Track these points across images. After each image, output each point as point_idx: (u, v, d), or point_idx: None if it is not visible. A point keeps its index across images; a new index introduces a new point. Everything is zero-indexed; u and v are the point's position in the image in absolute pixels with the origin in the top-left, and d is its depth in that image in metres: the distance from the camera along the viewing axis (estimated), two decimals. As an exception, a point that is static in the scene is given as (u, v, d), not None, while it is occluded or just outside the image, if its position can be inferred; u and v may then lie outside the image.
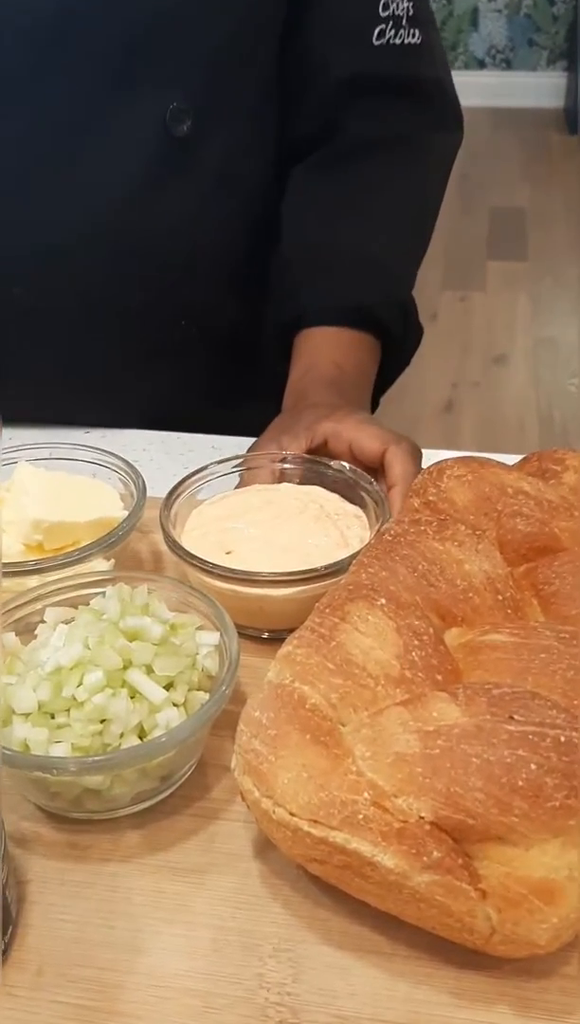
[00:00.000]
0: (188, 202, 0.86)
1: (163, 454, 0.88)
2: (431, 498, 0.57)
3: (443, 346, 2.71)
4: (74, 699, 0.49)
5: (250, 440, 0.91)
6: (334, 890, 0.47)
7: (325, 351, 0.86)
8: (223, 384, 1.00)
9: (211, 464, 0.70)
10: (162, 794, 0.52)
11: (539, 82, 4.23)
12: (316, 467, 0.69)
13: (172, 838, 0.51)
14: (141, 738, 0.50)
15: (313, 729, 0.44)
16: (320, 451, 0.72)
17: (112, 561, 0.64)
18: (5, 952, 0.45)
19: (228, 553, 0.63)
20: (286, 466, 0.70)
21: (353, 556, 0.58)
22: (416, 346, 0.94)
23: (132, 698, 0.50)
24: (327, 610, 0.50)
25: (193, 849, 0.50)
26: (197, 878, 0.49)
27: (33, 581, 0.61)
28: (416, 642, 0.47)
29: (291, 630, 0.62)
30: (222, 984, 0.44)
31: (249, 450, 0.75)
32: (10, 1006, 0.44)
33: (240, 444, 0.91)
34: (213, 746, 0.54)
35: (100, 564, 0.63)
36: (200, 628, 0.55)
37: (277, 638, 0.63)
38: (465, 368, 2.69)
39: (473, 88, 3.64)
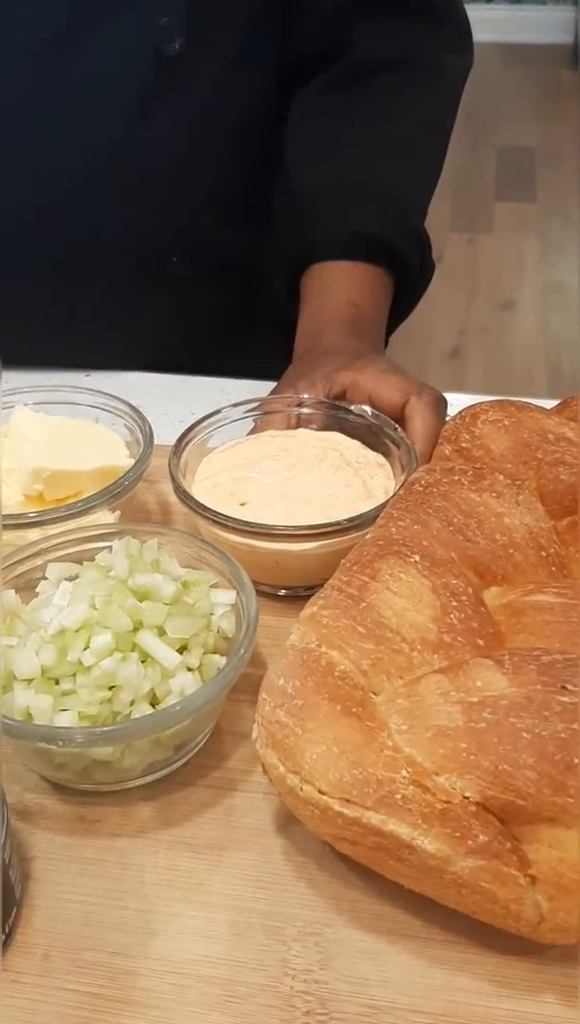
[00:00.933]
0: (182, 125, 0.80)
1: (169, 398, 0.83)
2: (464, 445, 0.53)
3: (450, 290, 2.64)
4: (80, 664, 0.45)
5: (259, 384, 0.87)
6: (364, 869, 0.43)
7: (339, 288, 0.81)
8: (223, 323, 0.95)
9: (224, 408, 0.65)
10: (175, 764, 0.49)
11: (548, 16, 4.08)
12: (335, 412, 0.64)
13: (187, 811, 0.47)
14: (153, 705, 0.46)
15: (343, 699, 0.40)
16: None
17: (117, 513, 0.60)
18: (8, 936, 0.42)
19: (242, 504, 0.58)
20: (303, 411, 0.65)
21: (379, 508, 0.54)
22: (428, 283, 0.89)
23: (143, 662, 0.46)
24: (355, 568, 0.46)
25: (209, 823, 0.47)
26: (214, 855, 0.45)
27: (34, 534, 0.57)
28: (454, 603, 0.43)
29: (309, 587, 0.58)
30: (244, 971, 0.41)
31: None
32: (14, 994, 0.41)
33: (250, 388, 0.86)
34: (229, 712, 0.51)
35: (105, 516, 0.59)
36: (214, 586, 0.51)
37: (294, 596, 0.59)
38: (472, 313, 2.62)
39: (480, 22, 3.50)
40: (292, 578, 0.58)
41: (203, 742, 0.50)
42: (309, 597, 0.58)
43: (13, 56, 0.74)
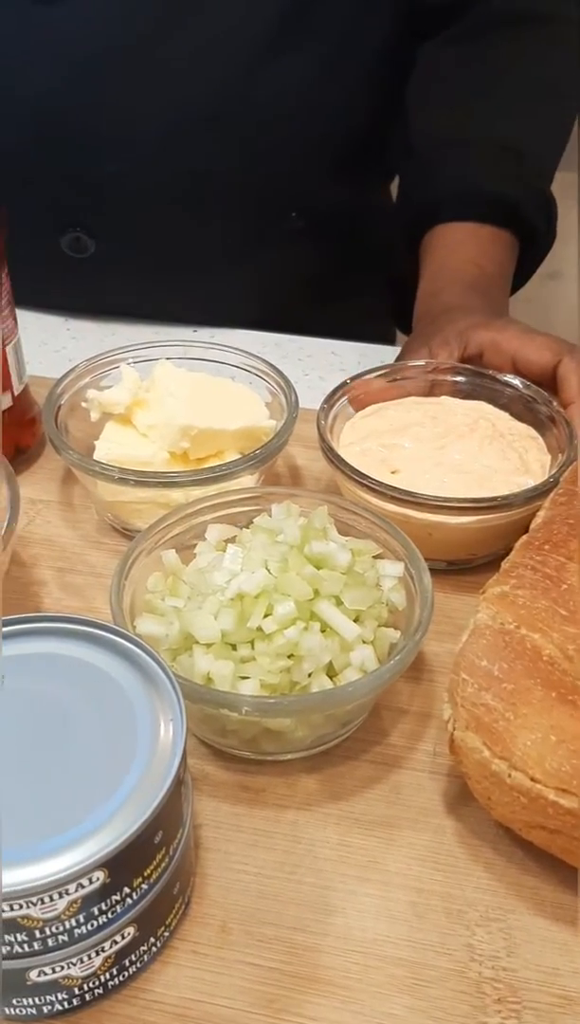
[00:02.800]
0: (304, 71, 0.78)
1: (278, 358, 0.81)
2: None
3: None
4: (261, 631, 0.44)
5: (370, 347, 0.85)
6: (541, 856, 0.42)
7: (463, 249, 0.78)
8: (327, 282, 0.92)
9: (364, 373, 0.63)
10: (339, 738, 0.47)
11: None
12: (481, 380, 0.62)
13: (352, 786, 0.46)
14: (330, 677, 0.45)
15: (556, 685, 0.39)
16: (473, 363, 0.65)
17: (257, 475, 0.59)
18: (186, 904, 0.41)
19: (393, 472, 0.57)
20: (447, 378, 0.63)
21: (546, 484, 0.52)
22: (549, 248, 0.86)
23: (322, 632, 0.45)
24: (546, 547, 0.44)
25: (377, 800, 0.46)
26: (386, 832, 0.44)
27: (177, 494, 0.56)
28: None
29: (451, 561, 0.57)
30: (429, 954, 0.40)
31: (396, 360, 0.69)
32: (195, 965, 0.40)
33: (361, 351, 0.84)
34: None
35: (246, 479, 0.57)
36: (378, 556, 0.50)
37: (434, 568, 0.57)
38: (518, 283, 2.58)
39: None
40: (438, 550, 0.56)
41: (364, 716, 0.49)
42: (452, 571, 0.57)
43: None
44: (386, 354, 0.83)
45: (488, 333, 0.65)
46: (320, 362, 0.82)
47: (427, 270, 0.79)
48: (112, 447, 0.58)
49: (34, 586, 0.57)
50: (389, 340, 1.00)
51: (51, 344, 0.83)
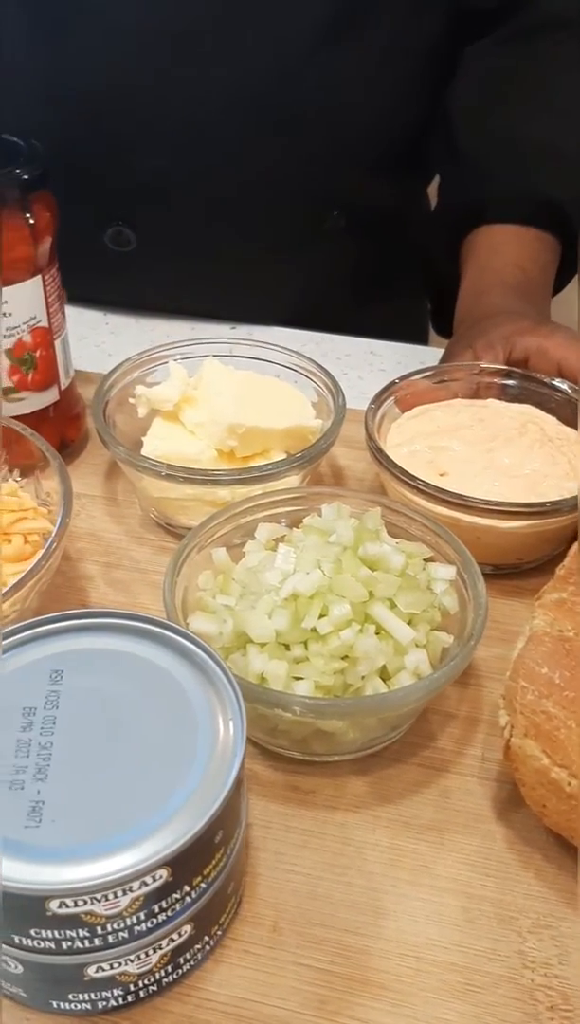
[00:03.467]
0: (353, 67, 0.78)
1: (318, 356, 0.81)
2: None
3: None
4: (315, 632, 0.44)
5: (409, 347, 0.85)
6: (593, 864, 0.42)
7: (507, 251, 0.78)
8: (364, 280, 0.92)
9: (412, 373, 0.63)
10: (388, 741, 0.47)
11: None
12: (529, 383, 0.62)
13: (400, 789, 0.46)
14: (383, 680, 0.45)
15: (618, 694, 0.38)
16: (518, 368, 0.65)
17: (303, 476, 0.58)
18: (238, 903, 0.41)
19: (442, 475, 0.56)
20: (494, 380, 0.63)
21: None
22: None
23: (376, 635, 0.44)
24: (604, 554, 0.44)
25: (426, 804, 0.46)
26: (435, 837, 0.44)
27: (223, 492, 0.56)
28: None
29: (497, 565, 0.56)
30: (481, 959, 0.40)
31: (440, 362, 0.68)
32: (247, 964, 0.40)
33: (399, 351, 0.84)
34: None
35: (292, 479, 0.57)
36: (429, 560, 0.50)
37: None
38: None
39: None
40: (486, 554, 0.56)
41: (412, 719, 0.49)
42: (497, 575, 0.56)
43: None
44: (425, 355, 0.83)
45: (535, 339, 0.65)
46: (358, 361, 0.82)
47: (469, 271, 0.79)
48: (160, 443, 0.58)
49: (80, 580, 0.57)
50: (423, 340, 0.99)
51: (91, 338, 0.83)
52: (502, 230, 0.79)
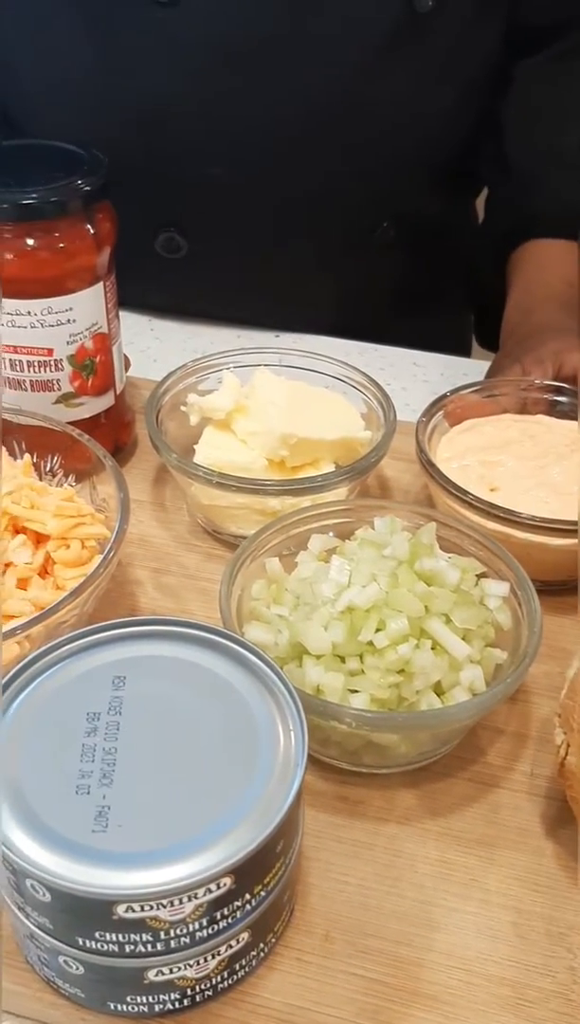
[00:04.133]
0: (411, 85, 0.78)
1: (361, 366, 0.81)
2: None
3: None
4: (371, 645, 0.44)
5: (453, 359, 0.85)
6: None
7: (556, 266, 0.78)
8: (412, 293, 0.93)
9: (462, 387, 0.63)
10: (438, 755, 0.48)
11: None
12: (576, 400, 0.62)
13: (450, 803, 0.47)
14: (438, 695, 0.45)
15: None
16: (567, 384, 0.65)
17: (352, 488, 0.59)
18: (290, 912, 0.41)
19: (492, 490, 0.57)
20: (543, 396, 0.63)
21: None
22: None
23: (432, 650, 0.45)
24: None
25: (476, 818, 0.46)
26: (485, 852, 0.45)
27: (273, 502, 0.56)
28: None
29: (545, 582, 0.57)
30: (532, 974, 0.40)
31: (487, 376, 0.69)
32: (300, 972, 0.40)
33: (444, 362, 0.84)
34: (487, 705, 0.50)
35: (341, 491, 0.58)
36: (482, 575, 0.50)
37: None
38: None
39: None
40: (536, 570, 0.56)
41: (462, 734, 0.49)
42: (544, 591, 0.56)
43: None
44: (469, 367, 0.84)
45: None
46: (402, 372, 0.83)
47: (517, 286, 0.79)
48: (212, 451, 0.59)
49: (130, 585, 0.58)
50: (465, 352, 1.00)
51: (137, 344, 0.84)
52: (550, 245, 0.79)
